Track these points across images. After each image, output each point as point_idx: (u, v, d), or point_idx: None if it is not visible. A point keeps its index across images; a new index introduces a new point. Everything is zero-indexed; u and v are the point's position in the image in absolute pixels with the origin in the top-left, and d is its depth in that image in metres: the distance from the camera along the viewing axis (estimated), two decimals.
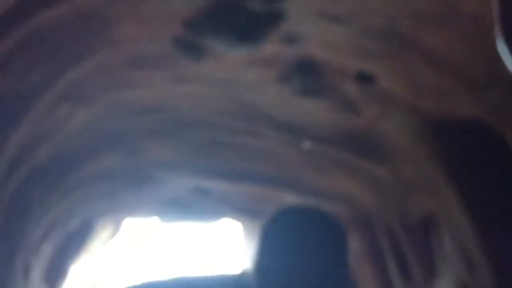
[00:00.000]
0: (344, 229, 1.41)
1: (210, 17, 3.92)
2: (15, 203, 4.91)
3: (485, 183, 4.32)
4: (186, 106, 5.33)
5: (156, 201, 7.35)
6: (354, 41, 4.12)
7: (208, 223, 8.29)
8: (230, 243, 9.24)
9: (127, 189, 6.64)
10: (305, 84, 4.66)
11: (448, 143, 4.50)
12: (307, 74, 4.60)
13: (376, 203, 5.77)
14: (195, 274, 1.44)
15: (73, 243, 7.25)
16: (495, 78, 3.69)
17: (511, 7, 0.56)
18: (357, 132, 5.10)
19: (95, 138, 5.34)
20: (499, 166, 4.12)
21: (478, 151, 4.24)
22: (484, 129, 4.04)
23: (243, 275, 1.40)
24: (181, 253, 10.09)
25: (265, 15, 3.86)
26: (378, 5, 3.72)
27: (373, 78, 4.47)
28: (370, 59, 4.35)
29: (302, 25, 4.03)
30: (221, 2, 3.83)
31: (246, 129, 5.66)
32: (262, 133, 5.66)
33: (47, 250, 6.49)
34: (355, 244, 6.37)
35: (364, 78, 4.49)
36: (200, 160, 6.36)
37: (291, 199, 6.73)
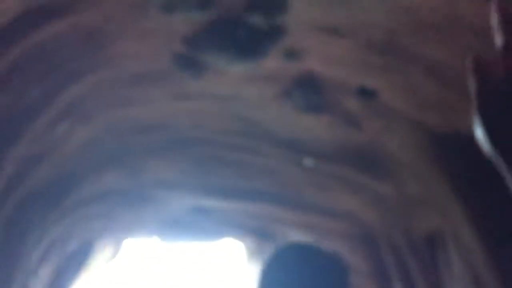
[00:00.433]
0: (345, 267, 1.43)
1: (210, 33, 3.90)
2: (13, 224, 4.83)
3: (492, 197, 4.24)
4: (186, 123, 5.28)
5: (156, 221, 7.26)
6: (356, 56, 4.09)
7: (209, 242, 8.18)
8: (232, 262, 9.12)
9: (127, 209, 6.55)
10: (306, 100, 4.62)
11: (452, 157, 4.44)
12: (308, 90, 4.56)
13: (380, 220, 5.68)
14: None
15: (72, 264, 7.14)
16: None
17: (488, 91, 0.56)
18: (359, 148, 5.04)
19: (95, 157, 5.28)
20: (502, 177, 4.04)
21: (484, 165, 4.17)
22: None
23: None
24: (182, 273, 9.94)
25: (266, 30, 3.83)
26: (379, 18, 3.69)
27: (375, 93, 4.43)
28: (372, 73, 4.31)
29: (303, 39, 4.00)
30: (221, 17, 3.80)
31: (247, 146, 5.60)
32: (263, 150, 5.60)
33: (46, 271, 6.38)
34: (359, 262, 6.26)
35: (365, 93, 4.45)
36: (200, 179, 6.30)
37: (293, 217, 6.64)
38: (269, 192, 6.34)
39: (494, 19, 0.57)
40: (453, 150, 4.41)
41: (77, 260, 7.35)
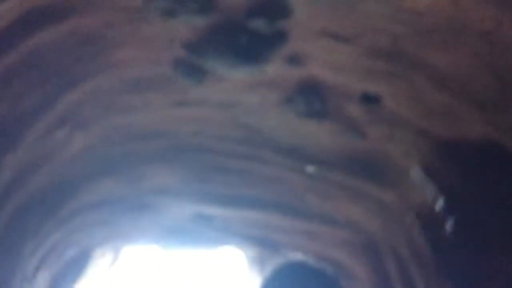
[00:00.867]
0: (340, 287, 1.44)
1: (211, 38, 3.83)
2: (10, 231, 4.74)
3: (496, 207, 4.16)
4: (187, 130, 5.20)
5: (156, 229, 7.17)
6: (359, 61, 4.02)
7: (209, 250, 8.09)
8: (232, 271, 9.02)
9: (126, 216, 6.47)
10: (308, 106, 4.54)
11: (456, 165, 4.36)
12: (311, 96, 4.49)
13: (383, 228, 5.60)
14: None
15: (70, 272, 7.05)
16: (506, 97, 3.56)
17: None
18: (362, 156, 4.96)
19: (93, 164, 5.20)
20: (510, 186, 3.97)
21: (489, 173, 4.09)
22: (495, 150, 3.91)
23: None
24: (182, 282, 9.85)
25: (268, 35, 3.76)
26: (384, 23, 3.62)
27: (379, 100, 4.35)
28: (376, 79, 4.24)
29: (306, 45, 3.93)
30: (223, 22, 3.73)
31: (248, 153, 5.52)
32: (265, 157, 5.52)
33: (43, 279, 6.29)
34: (361, 271, 6.18)
35: (369, 100, 4.37)
36: (201, 186, 6.21)
37: (295, 225, 6.56)
38: (271, 200, 6.26)
39: None
40: (457, 158, 4.33)
41: (75, 268, 7.26)
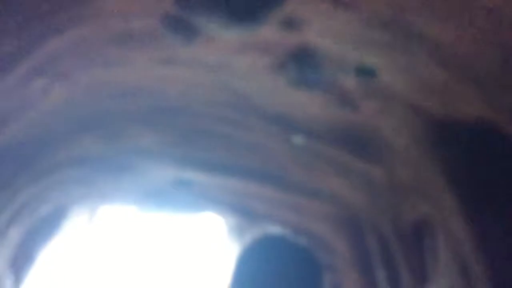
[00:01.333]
0: (319, 263, 1.44)
1: None
2: None
3: (487, 188, 4.06)
4: (172, 91, 4.99)
5: (135, 190, 7.01)
6: (358, 30, 3.83)
7: (188, 216, 7.97)
8: (210, 237, 8.94)
9: (105, 176, 6.29)
10: (301, 74, 4.36)
11: (449, 144, 4.24)
12: (304, 64, 4.30)
13: (367, 204, 5.50)
14: None
15: (45, 228, 6.89)
16: (509, 78, 3.41)
17: None
18: (352, 129, 4.81)
19: (71, 120, 4.98)
20: (505, 170, 3.86)
21: (482, 155, 3.98)
22: (490, 132, 3.78)
23: None
24: (159, 245, 9.76)
25: None
26: None
27: (374, 72, 4.19)
28: (373, 51, 4.06)
29: (304, 8, 3.72)
30: None
31: (234, 119, 5.34)
32: (251, 124, 5.35)
33: (16, 233, 6.12)
34: (342, 246, 6.10)
35: (364, 71, 4.21)
36: (183, 150, 6.04)
37: (277, 195, 6.44)
38: (254, 168, 6.12)
39: None
40: (451, 137, 4.20)
41: (50, 224, 7.10)
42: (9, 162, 4.99)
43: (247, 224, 7.49)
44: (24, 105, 4.32)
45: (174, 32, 4.11)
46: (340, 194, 5.72)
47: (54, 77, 4.24)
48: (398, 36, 3.80)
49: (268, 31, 3.96)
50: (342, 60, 4.18)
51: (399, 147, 4.60)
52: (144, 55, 4.41)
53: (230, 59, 4.42)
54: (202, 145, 5.82)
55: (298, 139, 5.23)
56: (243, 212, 7.19)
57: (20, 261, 6.77)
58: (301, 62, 4.26)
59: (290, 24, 3.91)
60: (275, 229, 6.16)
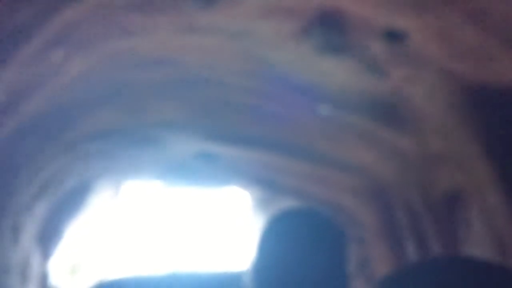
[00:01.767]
0: (343, 233, 1.44)
1: None
2: (4, 155, 4.51)
3: None
4: (194, 60, 4.85)
5: (159, 164, 6.94)
6: None
7: (213, 189, 7.90)
8: (236, 211, 8.89)
9: (127, 149, 6.22)
10: (327, 40, 4.17)
11: (484, 112, 4.03)
12: (331, 29, 4.11)
13: (396, 176, 5.33)
14: (190, 269, 1.51)
15: (69, 204, 6.89)
16: None
17: None
18: (381, 97, 4.62)
19: (93, 91, 4.90)
20: None
21: None
22: None
23: (240, 274, 1.42)
24: (184, 220, 9.76)
25: None
26: None
27: (404, 36, 3.98)
28: (403, 13, 3.85)
29: None
30: None
31: (259, 89, 5.19)
32: (276, 95, 5.19)
33: (40, 209, 6.13)
34: (370, 219, 5.97)
35: (394, 36, 4.00)
36: (207, 122, 5.92)
37: (303, 168, 6.30)
38: (279, 140, 5.98)
39: None
40: (486, 104, 3.99)
41: (75, 199, 7.10)
42: (33, 137, 4.95)
43: (273, 198, 7.38)
44: (43, 77, 4.24)
45: None
46: (369, 165, 5.55)
47: (72, 47, 4.13)
48: None
49: None
50: (370, 24, 3.98)
51: (431, 115, 4.41)
52: (164, 23, 4.27)
53: (252, 25, 4.25)
54: (226, 117, 5.70)
55: (324, 109, 5.07)
56: (269, 186, 7.08)
57: (48, 236, 6.80)
58: (328, 27, 4.07)
59: None
60: (301, 202, 6.05)
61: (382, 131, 5.01)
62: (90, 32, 4.10)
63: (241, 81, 5.13)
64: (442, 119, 4.37)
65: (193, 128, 6.07)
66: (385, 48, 4.13)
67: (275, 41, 4.43)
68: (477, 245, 4.41)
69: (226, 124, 5.91)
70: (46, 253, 6.80)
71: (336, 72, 4.56)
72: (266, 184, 7.13)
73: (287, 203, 6.70)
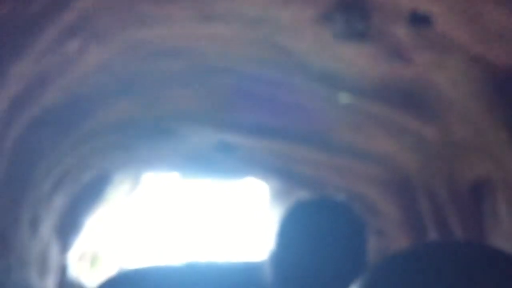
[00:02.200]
0: (363, 222, 1.42)
1: None
2: (21, 147, 4.46)
3: None
4: (211, 49, 4.76)
5: (177, 156, 6.88)
6: None
7: (232, 181, 7.83)
8: (254, 203, 8.81)
9: (145, 141, 6.17)
10: (349, 26, 4.05)
11: None
12: (352, 14, 3.99)
13: (419, 166, 5.20)
14: (208, 259, 1.44)
15: (88, 196, 6.86)
16: None
17: None
18: (404, 84, 4.49)
19: (109, 82, 4.84)
20: None
21: None
22: None
23: (259, 264, 1.39)
24: (202, 211, 9.72)
25: None
26: None
27: (429, 20, 3.85)
28: None
29: None
30: None
31: (277, 78, 5.08)
32: (295, 83, 5.08)
33: (59, 201, 6.10)
34: (392, 209, 5.85)
35: (418, 20, 3.87)
36: (225, 113, 5.84)
37: (323, 158, 6.19)
38: (299, 130, 5.87)
39: None
40: None
41: (93, 191, 7.07)
42: (50, 128, 4.90)
43: (291, 189, 7.29)
44: (59, 68, 4.18)
45: None
46: (390, 155, 5.42)
47: (88, 37, 4.07)
48: None
49: None
50: (393, 8, 3.86)
51: (457, 102, 4.27)
52: (182, 11, 4.18)
53: (271, 12, 4.14)
54: (245, 107, 5.61)
55: (345, 97, 4.95)
56: (288, 176, 6.98)
57: (66, 228, 6.79)
58: (349, 12, 3.95)
59: None
60: (322, 191, 5.94)
61: (405, 119, 4.88)
62: (106, 22, 4.02)
63: (259, 70, 5.03)
64: (467, 106, 4.23)
65: (211, 119, 5.99)
66: (409, 33, 4.00)
67: (294, 28, 4.32)
68: (505, 237, 4.27)
69: (244, 114, 5.82)
70: (65, 245, 6.78)
71: (357, 59, 4.44)
72: (284, 175, 7.03)
73: (305, 194, 6.60)
